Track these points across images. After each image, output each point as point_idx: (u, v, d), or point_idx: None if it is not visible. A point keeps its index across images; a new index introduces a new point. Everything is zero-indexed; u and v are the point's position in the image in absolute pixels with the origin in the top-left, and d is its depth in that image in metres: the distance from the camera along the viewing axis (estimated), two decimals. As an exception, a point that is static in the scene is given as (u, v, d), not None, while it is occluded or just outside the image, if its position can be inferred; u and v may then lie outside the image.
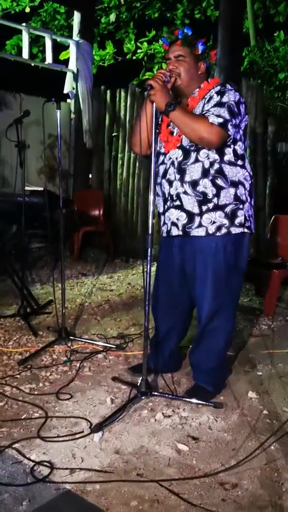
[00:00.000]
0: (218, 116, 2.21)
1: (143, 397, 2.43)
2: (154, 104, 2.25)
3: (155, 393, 2.46)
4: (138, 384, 2.43)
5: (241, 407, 2.43)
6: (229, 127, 2.23)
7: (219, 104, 2.24)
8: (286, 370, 2.91)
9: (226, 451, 2.06)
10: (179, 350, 2.82)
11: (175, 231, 2.42)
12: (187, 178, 2.34)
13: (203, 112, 2.28)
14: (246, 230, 2.38)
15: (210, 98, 2.30)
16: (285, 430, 2.19)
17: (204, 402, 2.42)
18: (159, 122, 2.44)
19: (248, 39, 9.78)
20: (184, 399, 2.46)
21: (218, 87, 2.32)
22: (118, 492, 1.77)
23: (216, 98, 2.27)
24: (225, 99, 2.25)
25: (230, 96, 2.26)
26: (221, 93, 2.28)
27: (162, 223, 2.53)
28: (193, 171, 2.33)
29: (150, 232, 2.34)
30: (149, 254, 2.34)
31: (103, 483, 1.82)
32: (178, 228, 2.41)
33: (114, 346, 3.16)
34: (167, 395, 2.48)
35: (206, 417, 2.31)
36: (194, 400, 2.42)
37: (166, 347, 2.70)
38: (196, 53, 2.36)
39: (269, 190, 5.25)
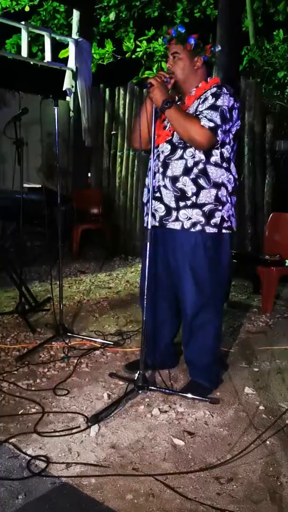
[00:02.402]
0: (210, 120, 2.25)
1: (140, 392, 2.43)
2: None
3: (152, 388, 2.46)
4: (135, 379, 2.44)
5: (237, 403, 2.44)
6: (219, 132, 2.28)
7: (213, 107, 2.28)
8: (283, 366, 2.92)
9: (222, 446, 2.07)
10: (175, 346, 2.82)
11: (152, 222, 2.43)
12: (169, 173, 2.38)
13: (197, 113, 2.31)
14: (223, 230, 2.41)
15: (205, 99, 2.33)
16: (280, 425, 2.20)
17: (200, 398, 2.42)
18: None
19: (247, 38, 9.77)
20: (180, 394, 2.46)
21: (214, 89, 2.34)
22: (113, 486, 1.78)
23: (210, 100, 2.30)
24: (219, 102, 2.28)
25: (224, 101, 2.29)
26: (216, 96, 2.30)
27: (144, 213, 2.54)
28: (175, 167, 2.36)
29: (149, 226, 2.36)
30: (147, 248, 2.34)
31: (99, 477, 1.82)
32: (155, 219, 2.43)
33: (112, 343, 3.16)
34: (164, 390, 2.48)
35: (202, 412, 2.32)
36: (190, 396, 2.43)
37: (161, 342, 2.70)
38: (188, 48, 2.40)
39: (267, 188, 5.25)
